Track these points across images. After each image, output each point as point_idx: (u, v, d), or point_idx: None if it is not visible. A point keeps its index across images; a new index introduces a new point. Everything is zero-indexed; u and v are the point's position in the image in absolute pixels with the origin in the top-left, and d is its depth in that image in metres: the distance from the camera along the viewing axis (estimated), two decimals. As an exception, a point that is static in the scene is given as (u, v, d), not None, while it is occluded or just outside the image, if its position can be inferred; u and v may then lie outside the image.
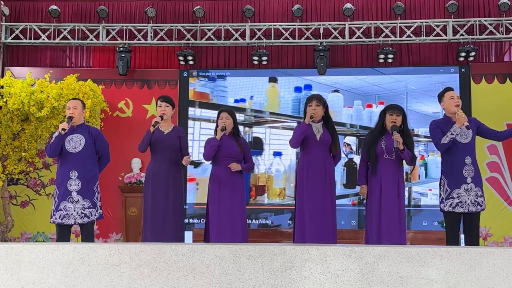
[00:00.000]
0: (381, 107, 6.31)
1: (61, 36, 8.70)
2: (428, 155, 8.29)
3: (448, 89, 5.19)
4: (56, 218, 5.07)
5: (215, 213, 5.30)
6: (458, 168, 4.98)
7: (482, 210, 5.03)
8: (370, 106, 8.46)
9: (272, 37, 8.60)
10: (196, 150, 8.27)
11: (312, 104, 5.18)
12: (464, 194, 4.97)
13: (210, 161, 5.48)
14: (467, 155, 4.99)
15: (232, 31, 8.64)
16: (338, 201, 5.57)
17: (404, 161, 5.18)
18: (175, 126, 5.52)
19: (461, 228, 5.16)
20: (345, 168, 8.34)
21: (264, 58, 8.51)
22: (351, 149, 8.41)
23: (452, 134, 4.93)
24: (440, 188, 5.12)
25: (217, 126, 5.43)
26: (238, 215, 5.29)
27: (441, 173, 5.15)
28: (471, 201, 4.96)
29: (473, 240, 5.01)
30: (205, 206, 5.46)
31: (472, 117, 5.31)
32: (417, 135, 8.26)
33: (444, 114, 5.19)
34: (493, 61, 8.59)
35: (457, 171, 4.99)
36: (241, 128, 6.50)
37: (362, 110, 8.48)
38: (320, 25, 8.57)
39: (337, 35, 8.51)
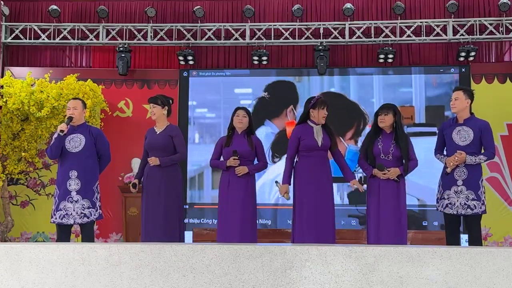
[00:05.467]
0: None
1: (61, 36, 8.70)
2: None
3: (453, 89, 5.19)
4: (56, 218, 5.07)
5: (223, 213, 5.31)
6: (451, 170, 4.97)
7: (476, 214, 4.93)
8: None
9: (272, 37, 8.60)
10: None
11: (324, 108, 5.11)
12: (454, 196, 4.95)
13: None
14: None
15: (232, 31, 8.64)
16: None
17: (403, 160, 5.15)
18: (168, 125, 5.41)
19: (462, 228, 5.16)
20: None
21: (264, 58, 8.51)
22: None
23: (443, 159, 5.05)
24: (437, 189, 5.14)
25: (231, 123, 5.43)
26: (246, 215, 5.26)
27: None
28: (460, 204, 4.92)
29: (472, 242, 4.99)
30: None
31: (484, 120, 5.08)
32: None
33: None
34: (493, 61, 8.59)
35: (449, 172, 4.98)
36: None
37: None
38: (320, 25, 8.57)
39: (337, 35, 8.51)
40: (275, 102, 8.61)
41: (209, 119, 8.79)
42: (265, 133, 8.44)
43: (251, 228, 5.28)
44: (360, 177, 7.69)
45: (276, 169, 8.20)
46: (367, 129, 8.35)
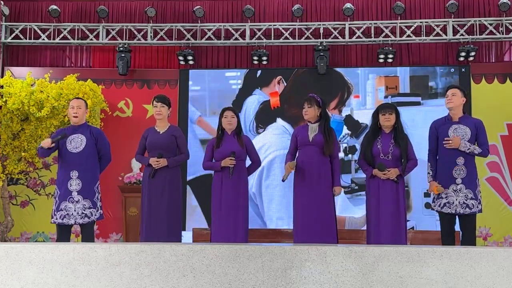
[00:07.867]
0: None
1: (61, 36, 8.71)
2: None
3: (448, 87, 5.20)
4: (56, 218, 5.07)
5: (216, 213, 5.32)
6: (448, 169, 4.96)
7: (473, 213, 4.94)
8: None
9: (272, 37, 8.60)
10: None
11: (304, 107, 5.22)
12: (452, 194, 4.94)
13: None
14: (459, 156, 4.94)
15: (232, 31, 8.65)
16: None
17: (402, 160, 5.14)
18: (171, 126, 5.45)
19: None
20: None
21: (264, 58, 8.51)
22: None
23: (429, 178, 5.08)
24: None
25: (220, 124, 5.43)
26: (240, 215, 5.28)
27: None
28: (459, 202, 4.92)
29: (467, 241, 4.98)
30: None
31: (478, 119, 5.16)
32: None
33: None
34: (493, 61, 8.59)
35: (447, 171, 4.97)
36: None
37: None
38: (320, 25, 8.57)
39: (337, 35, 8.52)
40: (264, 72, 8.71)
41: (193, 91, 8.73)
42: (257, 101, 8.58)
43: (243, 228, 5.29)
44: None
45: (262, 140, 8.41)
46: (351, 98, 8.48)
